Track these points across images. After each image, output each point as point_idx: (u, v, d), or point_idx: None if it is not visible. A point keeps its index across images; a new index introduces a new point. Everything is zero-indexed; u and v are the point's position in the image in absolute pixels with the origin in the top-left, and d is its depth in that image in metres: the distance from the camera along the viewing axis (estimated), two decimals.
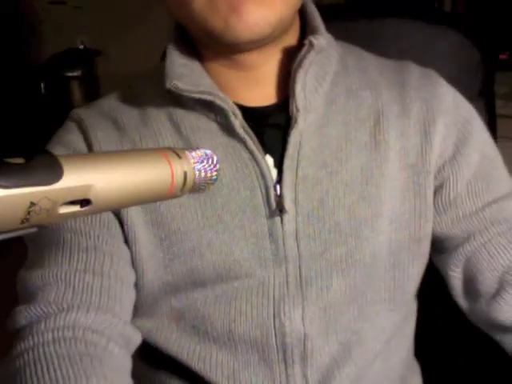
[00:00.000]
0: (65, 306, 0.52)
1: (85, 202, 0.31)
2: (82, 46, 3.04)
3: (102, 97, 0.64)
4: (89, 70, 2.98)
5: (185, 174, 0.36)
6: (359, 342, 0.60)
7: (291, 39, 0.59)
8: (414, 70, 0.62)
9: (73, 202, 0.31)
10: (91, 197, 0.31)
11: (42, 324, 0.51)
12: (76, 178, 0.30)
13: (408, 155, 0.58)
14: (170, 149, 0.37)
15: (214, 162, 0.39)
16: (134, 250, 0.57)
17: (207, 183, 0.39)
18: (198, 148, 0.39)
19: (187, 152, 0.38)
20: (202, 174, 0.38)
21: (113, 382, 0.49)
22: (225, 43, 0.52)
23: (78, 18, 3.01)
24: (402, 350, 0.67)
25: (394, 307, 0.62)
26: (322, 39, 0.56)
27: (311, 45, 0.55)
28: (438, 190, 0.60)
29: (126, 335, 0.55)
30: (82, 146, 0.59)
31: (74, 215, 0.31)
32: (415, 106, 0.59)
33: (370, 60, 0.63)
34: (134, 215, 0.57)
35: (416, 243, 0.60)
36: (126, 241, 0.58)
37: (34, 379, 0.47)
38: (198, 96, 0.55)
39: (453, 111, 0.60)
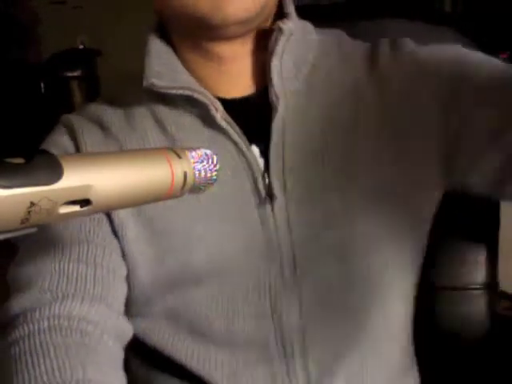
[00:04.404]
0: (59, 294, 0.52)
1: (85, 202, 0.31)
2: (82, 46, 3.04)
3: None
4: (89, 69, 2.98)
5: (185, 174, 0.37)
6: (361, 332, 0.59)
7: (268, 29, 0.58)
8: (384, 50, 0.60)
9: (73, 202, 0.31)
10: (91, 197, 0.31)
11: (37, 312, 0.51)
12: (76, 178, 0.30)
13: (388, 124, 0.57)
14: (170, 149, 0.37)
15: (214, 161, 0.39)
16: (123, 244, 0.58)
17: (207, 183, 0.39)
18: (198, 148, 0.39)
19: (187, 152, 0.38)
20: (202, 174, 0.38)
21: (108, 374, 0.49)
22: (212, 25, 0.52)
23: (78, 17, 3.01)
24: (404, 339, 0.65)
25: (402, 292, 0.61)
26: (291, 23, 0.56)
27: (280, 30, 0.55)
28: (460, 137, 0.56)
29: (119, 328, 0.55)
30: (71, 148, 0.60)
31: (74, 215, 0.31)
32: (394, 97, 0.57)
33: (349, 44, 0.63)
34: (121, 210, 0.57)
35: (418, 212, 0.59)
36: (116, 235, 0.58)
37: (30, 368, 0.47)
38: (175, 91, 0.55)
39: (423, 66, 0.58)
